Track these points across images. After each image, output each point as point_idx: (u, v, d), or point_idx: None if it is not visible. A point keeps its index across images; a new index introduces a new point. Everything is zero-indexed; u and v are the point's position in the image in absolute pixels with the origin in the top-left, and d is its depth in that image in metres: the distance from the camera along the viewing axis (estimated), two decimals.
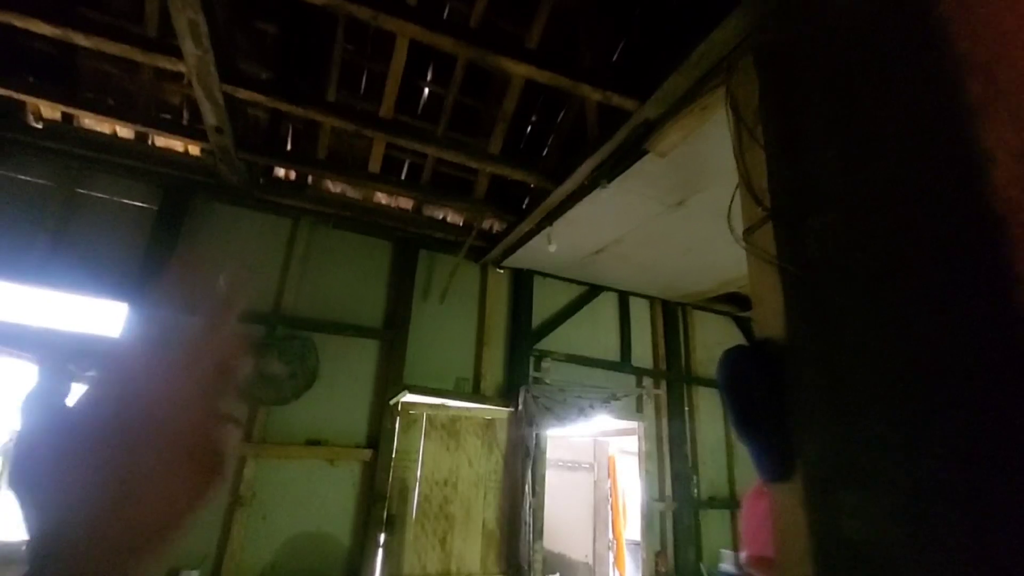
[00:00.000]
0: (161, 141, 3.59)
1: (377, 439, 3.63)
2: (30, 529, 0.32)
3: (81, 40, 2.39)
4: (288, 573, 3.21)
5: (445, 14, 3.02)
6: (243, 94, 2.68)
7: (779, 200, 0.91)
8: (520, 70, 2.48)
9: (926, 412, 0.53)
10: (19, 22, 2.31)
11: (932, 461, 0.51)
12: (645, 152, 2.64)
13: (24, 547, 2.21)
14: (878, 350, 0.58)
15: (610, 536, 5.57)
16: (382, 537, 3.43)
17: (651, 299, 5.11)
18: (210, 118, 2.83)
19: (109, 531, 0.30)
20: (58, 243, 3.40)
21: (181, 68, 2.52)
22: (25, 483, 0.32)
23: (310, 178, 3.89)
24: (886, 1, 0.52)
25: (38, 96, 3.02)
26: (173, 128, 3.24)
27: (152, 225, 3.58)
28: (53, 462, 0.32)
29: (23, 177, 3.37)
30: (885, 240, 0.50)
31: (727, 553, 3.83)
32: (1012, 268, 0.29)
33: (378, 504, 3.46)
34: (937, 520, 0.54)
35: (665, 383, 4.83)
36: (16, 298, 3.36)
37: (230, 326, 0.36)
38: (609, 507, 5.67)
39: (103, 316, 3.40)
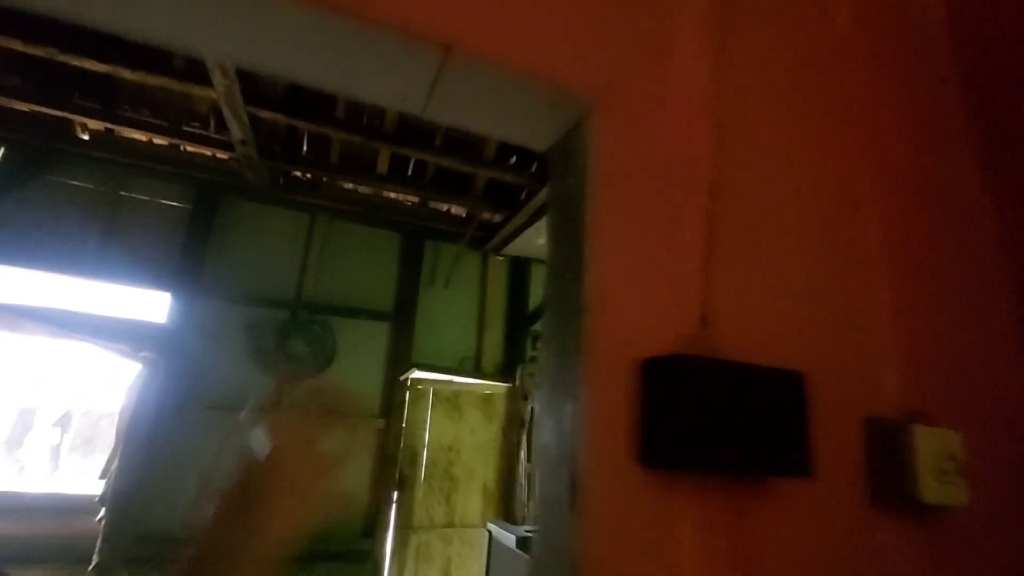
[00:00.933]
0: (192, 147, 4.02)
1: (389, 411, 4.11)
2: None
3: (128, 75, 2.80)
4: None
5: None
6: (265, 114, 3.07)
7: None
8: None
9: None
10: (76, 62, 2.72)
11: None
12: None
13: (95, 499, 2.78)
14: None
15: None
16: (395, 494, 3.94)
17: None
18: (236, 133, 3.23)
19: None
20: (108, 240, 3.88)
21: (212, 94, 2.92)
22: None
23: (325, 178, 4.28)
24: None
25: (83, 115, 3.45)
26: (203, 140, 3.64)
27: (187, 222, 4.04)
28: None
29: (76, 183, 3.84)
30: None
31: None
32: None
33: (391, 466, 3.96)
34: None
35: None
36: (74, 289, 3.88)
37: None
38: None
39: (150, 304, 3.89)
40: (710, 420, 0.60)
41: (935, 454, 0.74)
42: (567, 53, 0.72)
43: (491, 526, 2.60)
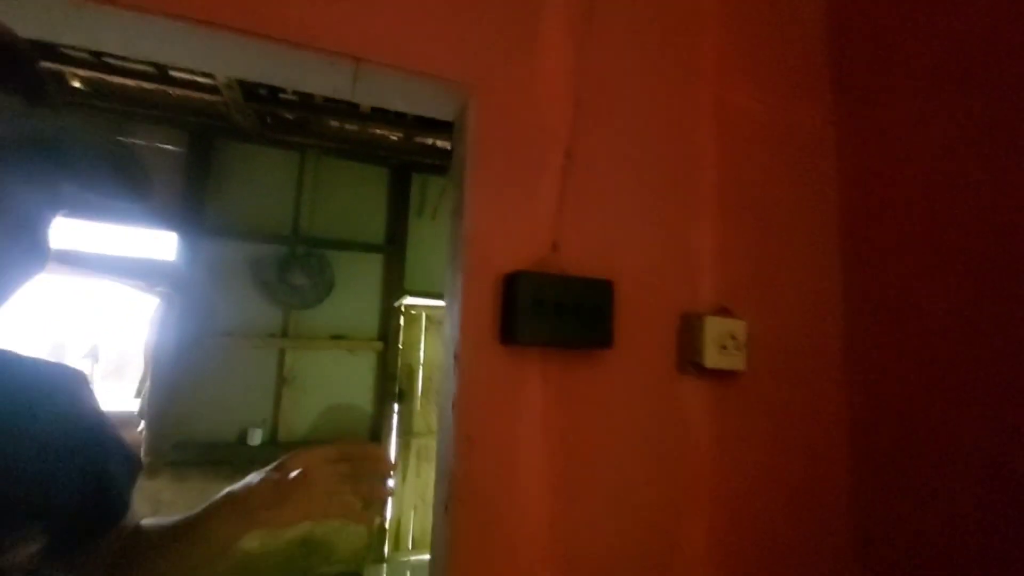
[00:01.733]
0: (180, 91, 4.16)
1: (387, 334, 4.53)
2: None
3: None
4: (326, 432, 4.26)
5: None
6: None
7: None
8: None
9: None
10: None
11: None
12: None
13: (135, 414, 3.28)
14: None
15: None
16: (396, 406, 4.44)
17: None
18: (221, 77, 3.40)
19: None
20: None
21: None
22: None
23: (311, 118, 4.44)
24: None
25: (72, 66, 3.60)
26: (190, 85, 3.80)
27: (185, 165, 4.27)
28: None
29: None
30: None
31: None
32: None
33: (390, 383, 4.44)
34: None
35: None
36: (88, 231, 4.18)
37: None
38: None
39: (161, 243, 4.21)
40: (541, 312, 0.92)
41: (720, 335, 1.07)
42: (450, 55, 0.97)
43: None
